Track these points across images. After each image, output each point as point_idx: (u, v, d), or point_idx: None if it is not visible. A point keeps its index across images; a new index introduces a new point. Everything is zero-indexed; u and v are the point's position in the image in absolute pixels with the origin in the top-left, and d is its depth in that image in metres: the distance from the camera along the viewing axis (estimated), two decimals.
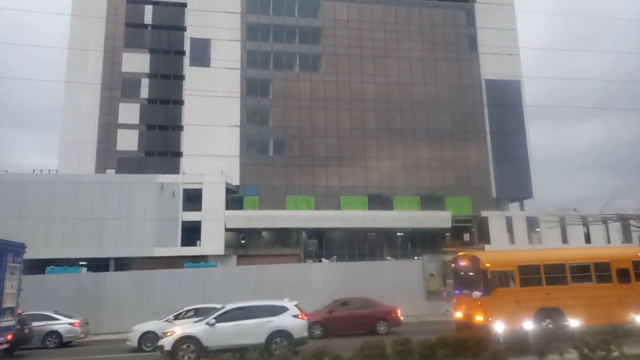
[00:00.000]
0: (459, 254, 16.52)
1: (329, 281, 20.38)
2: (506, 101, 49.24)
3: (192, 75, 45.78)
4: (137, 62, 49.88)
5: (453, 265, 16.82)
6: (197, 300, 17.46)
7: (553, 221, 44.23)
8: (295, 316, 13.33)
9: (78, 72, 50.42)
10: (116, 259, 38.93)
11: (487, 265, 14.86)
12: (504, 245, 42.87)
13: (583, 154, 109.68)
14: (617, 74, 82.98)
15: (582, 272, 15.32)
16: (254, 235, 45.56)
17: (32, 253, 36.13)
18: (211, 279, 19.61)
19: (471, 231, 46.64)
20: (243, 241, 45.20)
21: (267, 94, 47.50)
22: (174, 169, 45.81)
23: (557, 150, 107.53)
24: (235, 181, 44.26)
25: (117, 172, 46.41)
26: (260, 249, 44.63)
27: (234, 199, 44.37)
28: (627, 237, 46.65)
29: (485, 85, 49.65)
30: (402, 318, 18.04)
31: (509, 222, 44.69)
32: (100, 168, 49.18)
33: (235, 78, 46.50)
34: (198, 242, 39.96)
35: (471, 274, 15.59)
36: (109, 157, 49.41)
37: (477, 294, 14.50)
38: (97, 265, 38.45)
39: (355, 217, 43.08)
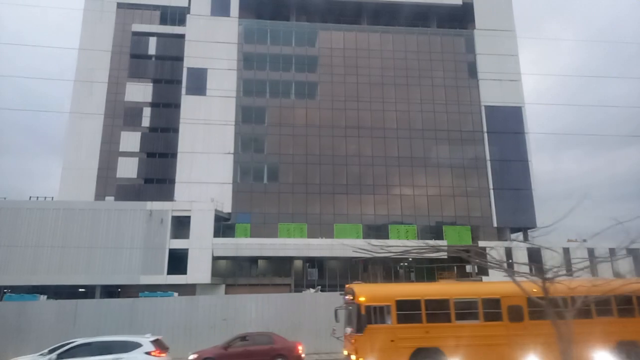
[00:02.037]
0: (347, 286, 15.43)
1: (262, 313, 19.53)
2: (507, 128, 47.94)
3: (188, 104, 46.46)
4: (139, 92, 51.04)
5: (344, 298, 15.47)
6: (123, 331, 16.92)
7: (555, 251, 42.11)
8: (148, 353, 12.30)
9: (83, 101, 51.87)
10: (103, 287, 39.01)
11: (361, 299, 13.63)
12: (501, 277, 40.84)
13: (598, 184, 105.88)
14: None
15: (468, 308, 13.88)
16: (246, 264, 44.99)
17: (20, 280, 36.95)
18: (138, 309, 19.03)
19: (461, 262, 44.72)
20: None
21: (262, 121, 47.67)
22: (171, 196, 46.02)
23: (570, 180, 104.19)
24: (227, 208, 44.08)
25: (116, 199, 46.90)
26: (251, 278, 43.99)
27: (226, 227, 44.12)
28: (638, 270, 44.04)
29: (485, 112, 48.54)
30: (303, 355, 17.04)
31: (509, 252, 42.69)
32: (100, 195, 49.88)
33: (230, 106, 46.94)
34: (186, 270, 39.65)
35: (350, 308, 14.32)
36: (109, 185, 50.15)
37: (348, 330, 13.48)
38: (85, 293, 38.60)
39: (347, 246, 41.93)
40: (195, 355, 16.52)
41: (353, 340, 13.40)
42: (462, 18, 52.50)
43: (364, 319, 13.38)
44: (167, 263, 38.88)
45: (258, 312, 19.42)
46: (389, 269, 46.32)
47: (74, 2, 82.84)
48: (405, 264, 46.61)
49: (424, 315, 13.61)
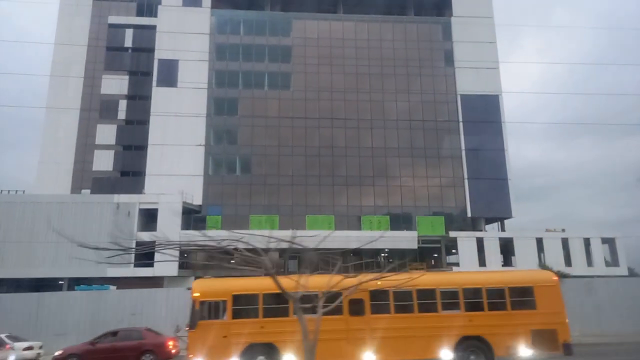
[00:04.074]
0: (194, 282, 15.14)
1: (172, 307, 19.42)
2: (483, 117, 47.17)
3: (159, 96, 46.23)
4: (115, 85, 50.87)
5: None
6: (28, 328, 16.81)
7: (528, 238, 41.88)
8: None
9: (59, 95, 51.85)
10: (71, 279, 39.14)
11: (196, 294, 13.42)
12: (474, 267, 40.56)
13: (582, 173, 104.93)
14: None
15: (308, 302, 13.64)
16: (219, 256, 44.86)
17: None
18: (44, 305, 18.91)
19: (438, 252, 44.46)
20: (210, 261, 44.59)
21: (235, 113, 47.31)
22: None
23: (550, 169, 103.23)
24: (198, 200, 43.96)
25: (92, 192, 46.97)
26: (222, 270, 43.88)
27: (197, 219, 44.04)
28: (614, 259, 43.51)
29: (461, 101, 47.79)
30: (174, 351, 16.87)
31: (480, 243, 42.24)
32: (76, 188, 49.97)
33: (202, 97, 46.62)
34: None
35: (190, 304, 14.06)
36: (85, 178, 50.22)
37: (180, 327, 13.18)
38: (52, 285, 38.74)
39: (315, 237, 41.67)
40: (60, 352, 16.37)
41: (188, 337, 13.21)
42: (440, 5, 51.58)
43: (197, 314, 13.20)
44: (134, 256, 38.85)
45: (168, 306, 19.26)
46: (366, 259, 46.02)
47: None
48: (386, 254, 46.31)
49: (261, 311, 13.33)
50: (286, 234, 10.90)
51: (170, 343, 16.76)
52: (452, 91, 48.28)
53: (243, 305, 13.43)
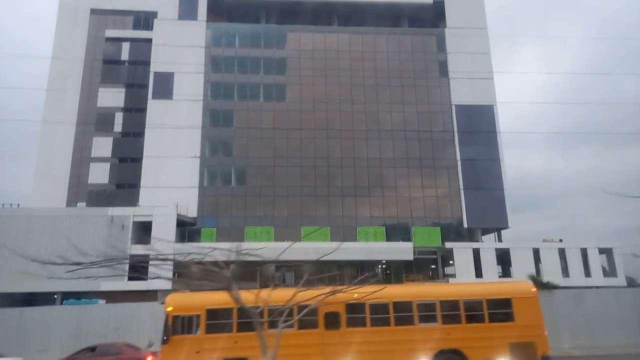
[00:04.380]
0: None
1: (157, 322, 19.19)
2: (478, 127, 47.16)
3: (154, 108, 46.45)
4: (112, 97, 51.15)
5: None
6: (11, 342, 16.66)
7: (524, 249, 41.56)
8: None
9: (55, 108, 52.07)
10: (65, 294, 38.93)
11: (169, 309, 13.34)
12: (470, 278, 40.20)
13: (582, 182, 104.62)
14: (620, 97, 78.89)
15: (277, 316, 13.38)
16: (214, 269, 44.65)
17: None
18: (27, 319, 18.75)
19: (436, 264, 44.15)
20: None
21: (230, 124, 47.45)
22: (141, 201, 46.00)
23: (550, 179, 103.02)
24: (193, 213, 43.90)
25: (87, 205, 46.95)
26: (220, 284, 43.65)
27: (192, 231, 43.95)
28: (612, 270, 43.10)
29: (456, 111, 47.81)
30: None
31: (477, 254, 41.91)
32: (72, 201, 49.94)
33: (197, 109, 46.82)
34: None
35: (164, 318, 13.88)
36: (80, 191, 50.26)
37: (152, 342, 13.00)
38: (45, 300, 38.55)
39: (310, 249, 41.39)
40: None
41: (162, 352, 13.04)
42: (434, 17, 51.88)
43: (169, 329, 13.10)
44: (127, 269, 38.67)
45: (153, 320, 19.06)
46: (365, 271, 45.68)
47: (46, 11, 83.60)
48: (384, 265, 46.03)
49: (235, 325, 13.13)
50: (249, 246, 10.69)
51: (149, 358, 16.55)
52: (446, 101, 48.33)
53: (217, 320, 13.29)
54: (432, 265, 45.67)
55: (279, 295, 9.47)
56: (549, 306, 17.05)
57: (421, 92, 48.68)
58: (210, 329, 13.19)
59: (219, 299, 13.80)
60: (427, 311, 13.20)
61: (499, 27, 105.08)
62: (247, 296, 8.76)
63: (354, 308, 13.01)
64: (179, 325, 13.08)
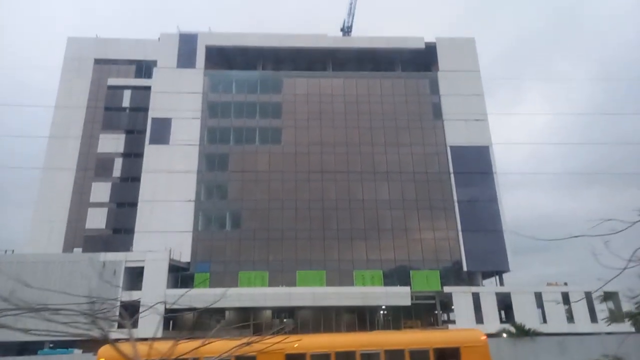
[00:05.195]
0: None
1: None
2: (474, 168, 46.91)
3: (151, 153, 46.95)
4: (112, 143, 51.94)
5: None
6: None
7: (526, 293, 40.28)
8: None
9: (56, 155, 52.80)
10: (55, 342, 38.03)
11: None
12: (470, 323, 38.74)
13: (590, 224, 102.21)
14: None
15: None
16: (207, 316, 43.62)
17: None
18: None
19: (435, 308, 42.72)
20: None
21: (225, 168, 47.68)
22: (136, 246, 45.65)
23: (558, 221, 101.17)
24: (187, 257, 43.39)
25: (83, 251, 46.66)
26: (209, 332, 42.49)
27: (185, 277, 43.27)
28: (619, 315, 41.24)
29: (451, 152, 47.75)
30: None
31: (477, 298, 40.60)
32: (69, 247, 49.76)
33: (193, 154, 47.25)
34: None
35: None
36: (77, 236, 50.14)
37: None
38: (35, 348, 37.63)
39: (305, 294, 40.60)
40: None
41: None
42: (426, 60, 52.85)
43: None
44: (117, 317, 37.89)
45: None
46: (363, 316, 44.27)
47: (52, 61, 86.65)
48: (384, 311, 44.62)
49: None
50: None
51: None
52: (441, 143, 48.40)
53: None
54: (434, 310, 44.21)
55: (185, 348, 8.72)
56: (531, 355, 16.12)
57: (416, 134, 48.88)
58: None
59: (157, 349, 13.16)
60: None
61: (504, 70, 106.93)
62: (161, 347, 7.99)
63: (294, 359, 12.35)
64: None
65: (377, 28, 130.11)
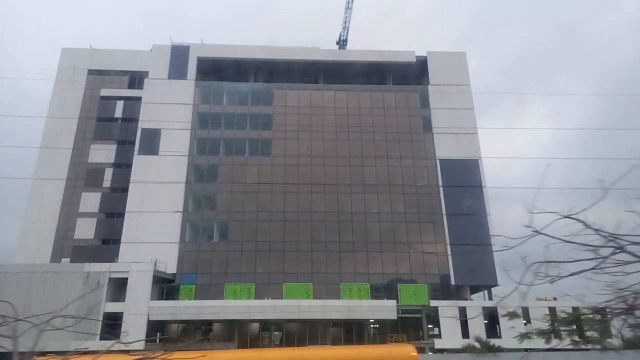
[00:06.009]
0: None
1: None
2: (463, 181, 46.78)
3: (139, 164, 46.94)
4: (103, 154, 51.94)
5: None
6: None
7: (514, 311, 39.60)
8: None
9: (47, 165, 52.78)
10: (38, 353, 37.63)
11: None
12: (457, 338, 38.35)
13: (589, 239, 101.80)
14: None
15: None
16: (191, 328, 43.27)
17: None
18: None
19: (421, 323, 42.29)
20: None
21: (214, 179, 47.66)
22: (124, 257, 45.41)
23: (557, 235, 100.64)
24: (173, 269, 43.13)
25: (71, 261, 46.44)
26: (193, 344, 42.06)
27: (170, 288, 42.98)
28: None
29: (440, 165, 47.67)
30: None
31: (463, 313, 40.17)
32: (56, 257, 49.44)
33: (182, 165, 47.23)
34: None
35: None
36: (66, 246, 49.92)
37: None
38: None
39: (290, 307, 40.23)
40: None
41: None
42: (417, 74, 53.06)
43: None
44: (100, 329, 37.55)
45: None
46: (351, 329, 43.81)
47: (45, 72, 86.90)
48: (375, 325, 44.16)
49: None
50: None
51: None
52: (431, 156, 48.35)
53: None
54: (420, 324, 43.75)
55: None
56: None
57: (406, 147, 48.86)
58: None
59: None
60: None
61: (505, 84, 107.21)
62: None
63: None
64: None
65: (375, 42, 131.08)
